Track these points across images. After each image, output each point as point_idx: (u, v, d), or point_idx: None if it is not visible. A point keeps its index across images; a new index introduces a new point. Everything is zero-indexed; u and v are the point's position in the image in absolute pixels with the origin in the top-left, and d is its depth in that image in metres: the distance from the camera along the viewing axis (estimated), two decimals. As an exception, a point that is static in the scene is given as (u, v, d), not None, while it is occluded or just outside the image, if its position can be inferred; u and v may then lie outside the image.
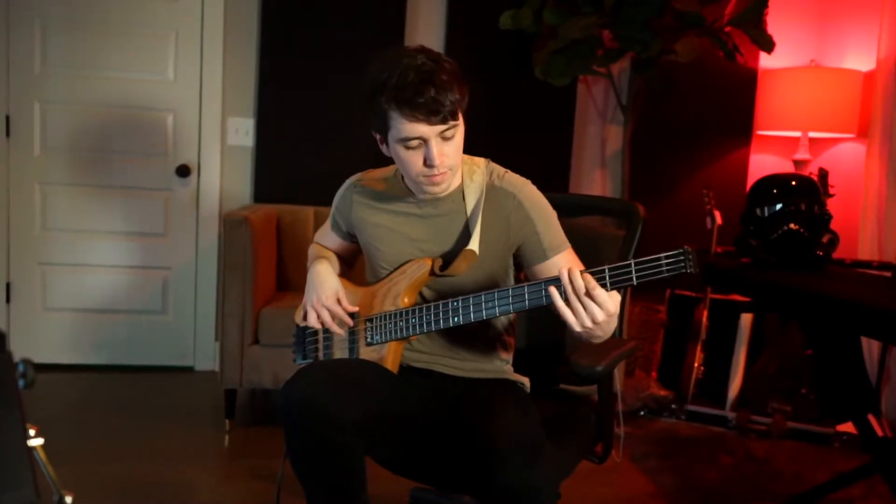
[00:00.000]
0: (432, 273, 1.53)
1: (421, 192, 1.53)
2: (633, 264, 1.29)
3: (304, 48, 3.40)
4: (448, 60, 1.43)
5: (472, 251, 1.51)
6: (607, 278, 1.31)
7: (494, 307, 1.42)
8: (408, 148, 1.43)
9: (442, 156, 1.43)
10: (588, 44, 3.13)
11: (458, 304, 1.46)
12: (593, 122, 3.72)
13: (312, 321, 1.62)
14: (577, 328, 1.33)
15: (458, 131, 1.45)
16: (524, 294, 1.39)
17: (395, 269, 1.59)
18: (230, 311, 2.74)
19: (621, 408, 3.16)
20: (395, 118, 1.40)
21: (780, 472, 2.75)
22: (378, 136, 1.49)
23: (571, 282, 1.30)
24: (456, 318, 1.47)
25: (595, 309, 1.30)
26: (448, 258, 1.55)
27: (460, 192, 1.56)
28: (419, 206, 1.58)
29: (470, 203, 1.55)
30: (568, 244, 1.58)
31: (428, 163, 1.43)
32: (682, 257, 1.26)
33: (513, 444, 1.30)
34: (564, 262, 1.51)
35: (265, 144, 3.46)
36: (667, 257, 1.27)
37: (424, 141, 1.42)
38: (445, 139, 1.43)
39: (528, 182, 1.59)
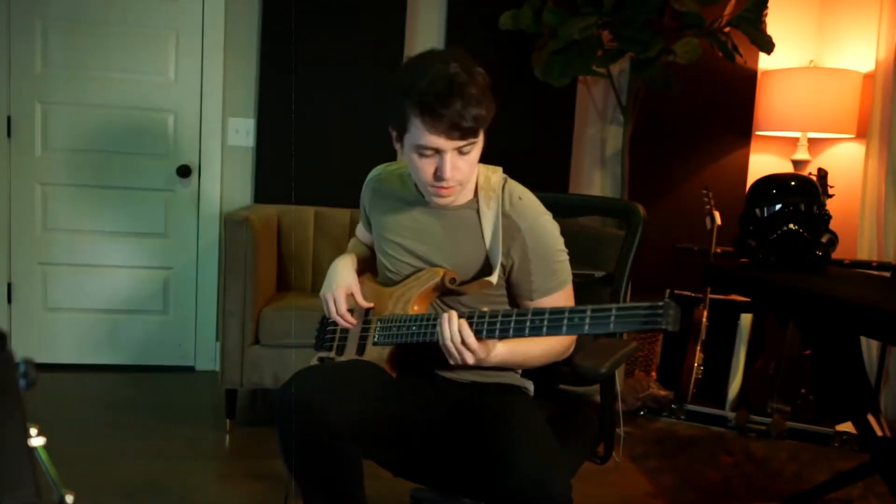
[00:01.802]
0: (443, 285, 1.51)
1: (429, 198, 1.51)
2: (613, 309, 1.23)
3: (304, 48, 3.41)
4: (482, 73, 1.38)
5: (490, 283, 1.48)
6: (587, 319, 1.25)
7: (496, 329, 1.35)
8: (422, 156, 1.40)
9: (454, 170, 1.40)
10: (587, 44, 3.13)
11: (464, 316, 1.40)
12: (593, 123, 3.73)
13: (325, 309, 1.64)
14: (451, 362, 1.38)
15: (476, 148, 1.42)
16: (525, 323, 1.32)
17: (411, 274, 1.57)
18: (231, 311, 2.74)
19: (621, 408, 3.16)
20: (416, 124, 1.36)
21: (779, 472, 2.75)
22: (394, 134, 1.45)
23: (450, 327, 1.34)
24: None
25: (466, 354, 1.35)
26: (463, 278, 1.52)
27: (474, 208, 1.52)
28: (431, 215, 1.55)
29: (487, 228, 1.50)
30: (564, 285, 1.53)
31: (438, 174, 1.40)
32: (660, 310, 1.18)
33: (528, 452, 1.29)
34: (549, 305, 1.46)
35: (265, 144, 3.46)
36: (646, 308, 1.19)
37: (439, 152, 1.38)
38: (461, 154, 1.40)
39: (541, 213, 1.53)
